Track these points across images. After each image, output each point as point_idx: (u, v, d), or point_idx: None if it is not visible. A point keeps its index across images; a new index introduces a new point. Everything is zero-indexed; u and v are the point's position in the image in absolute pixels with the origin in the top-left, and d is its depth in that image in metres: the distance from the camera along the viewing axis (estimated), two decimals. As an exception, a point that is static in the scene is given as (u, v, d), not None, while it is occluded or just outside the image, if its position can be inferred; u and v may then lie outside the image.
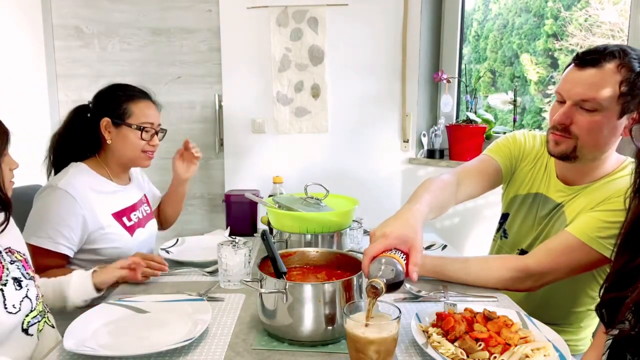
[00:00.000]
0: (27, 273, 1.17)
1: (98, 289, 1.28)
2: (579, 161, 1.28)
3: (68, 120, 1.67)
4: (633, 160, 1.20)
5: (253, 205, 1.92)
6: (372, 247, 0.98)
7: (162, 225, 1.98)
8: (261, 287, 1.05)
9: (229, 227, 1.89)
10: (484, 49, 2.89)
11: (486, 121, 2.59)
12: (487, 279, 1.32)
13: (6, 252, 1.14)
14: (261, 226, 1.87)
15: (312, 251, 1.22)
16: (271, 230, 1.52)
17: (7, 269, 1.11)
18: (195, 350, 1.01)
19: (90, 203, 1.53)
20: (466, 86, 2.67)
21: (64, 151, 1.64)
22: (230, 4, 2.73)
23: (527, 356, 0.92)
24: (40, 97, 2.75)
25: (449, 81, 2.64)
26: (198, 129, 2.89)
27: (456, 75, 2.75)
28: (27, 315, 1.12)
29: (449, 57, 2.78)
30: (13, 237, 1.19)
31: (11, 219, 1.18)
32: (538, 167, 1.45)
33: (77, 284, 1.26)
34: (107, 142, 1.61)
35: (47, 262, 1.45)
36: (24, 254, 1.20)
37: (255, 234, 1.90)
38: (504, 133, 2.60)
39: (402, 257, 0.97)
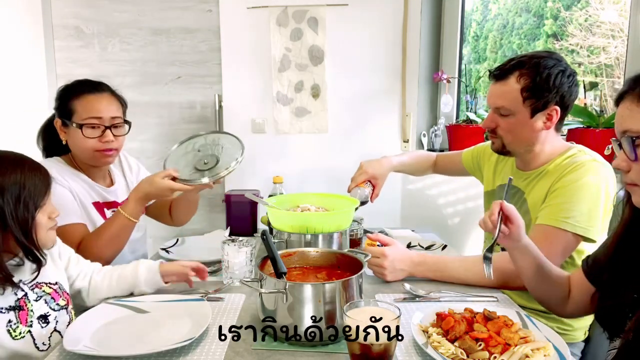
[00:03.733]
0: (57, 304, 1.17)
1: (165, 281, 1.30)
2: (516, 154, 1.51)
3: (47, 121, 1.65)
4: (576, 147, 1.45)
5: (253, 205, 1.92)
6: (357, 178, 1.74)
7: (174, 221, 1.85)
8: (261, 287, 1.05)
9: (229, 227, 1.89)
10: (484, 49, 2.89)
11: (486, 121, 2.59)
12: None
13: (31, 289, 1.14)
14: (261, 226, 1.87)
15: (312, 251, 1.22)
16: (271, 230, 1.52)
17: (32, 310, 1.12)
18: (195, 350, 1.01)
19: (70, 185, 1.51)
20: (466, 86, 2.67)
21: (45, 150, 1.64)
22: (230, 4, 2.73)
23: (527, 356, 0.92)
24: (40, 97, 2.75)
25: (449, 81, 2.64)
26: (198, 129, 2.88)
27: (456, 75, 2.75)
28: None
29: (449, 57, 2.78)
30: (43, 270, 1.17)
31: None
32: (504, 163, 1.64)
33: (148, 281, 1.28)
34: (63, 142, 1.56)
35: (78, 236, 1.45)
36: (55, 283, 1.20)
37: (255, 234, 1.90)
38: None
39: (370, 187, 1.74)
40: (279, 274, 1.07)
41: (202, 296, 1.27)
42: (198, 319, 1.09)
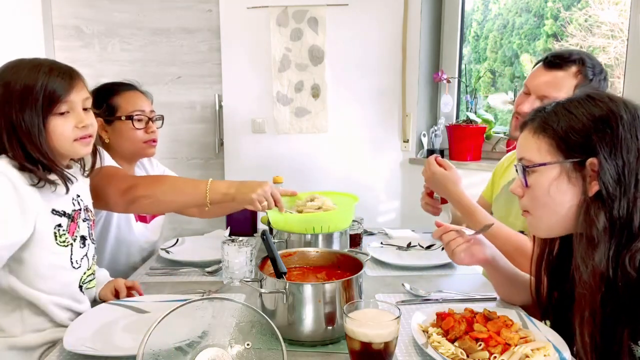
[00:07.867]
0: (91, 233, 1.20)
1: None
2: None
3: None
4: None
5: (253, 205, 1.91)
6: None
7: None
8: (261, 287, 1.05)
9: (229, 227, 1.89)
10: (484, 49, 2.89)
11: (486, 121, 2.59)
12: None
13: (84, 210, 1.17)
14: (261, 226, 1.87)
15: (312, 251, 1.22)
16: (271, 230, 1.52)
17: (79, 226, 1.14)
18: (195, 350, 1.00)
19: None
20: (466, 86, 2.67)
21: None
22: (230, 4, 2.73)
23: (527, 356, 0.92)
24: (40, 97, 2.75)
25: (449, 81, 2.64)
26: (198, 129, 2.88)
27: (456, 75, 2.75)
28: (84, 273, 1.17)
29: (449, 57, 2.78)
30: (89, 199, 1.22)
31: (85, 181, 1.20)
32: (508, 164, 1.63)
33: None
34: (106, 141, 1.59)
35: None
36: (94, 215, 1.23)
37: (255, 234, 1.90)
38: (504, 133, 2.60)
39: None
40: (279, 274, 1.07)
41: (202, 296, 1.27)
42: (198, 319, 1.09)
